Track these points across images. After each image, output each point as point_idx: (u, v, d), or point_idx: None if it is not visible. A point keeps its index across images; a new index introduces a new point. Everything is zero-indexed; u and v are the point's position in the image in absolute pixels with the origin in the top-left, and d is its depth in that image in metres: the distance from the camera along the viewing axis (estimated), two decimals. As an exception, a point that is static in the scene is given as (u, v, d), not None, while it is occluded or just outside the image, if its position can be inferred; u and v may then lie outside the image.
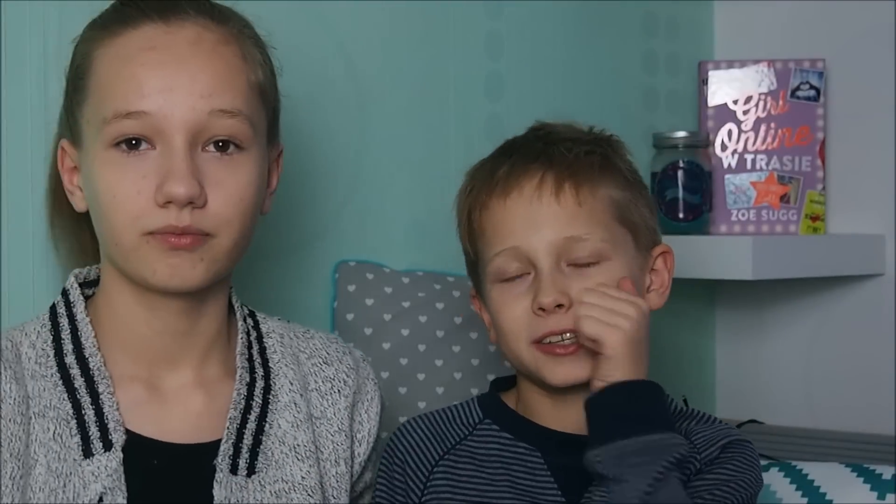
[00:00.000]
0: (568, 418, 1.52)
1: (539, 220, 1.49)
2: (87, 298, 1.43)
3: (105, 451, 1.34)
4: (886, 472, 1.73)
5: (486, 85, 2.05)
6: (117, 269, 1.37)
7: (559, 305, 1.47)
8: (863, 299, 2.23)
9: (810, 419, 2.26)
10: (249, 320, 1.48)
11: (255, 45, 1.41)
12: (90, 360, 1.37)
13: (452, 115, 2.01)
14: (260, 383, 1.43)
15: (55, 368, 1.37)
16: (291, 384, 1.45)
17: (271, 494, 1.39)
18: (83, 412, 1.35)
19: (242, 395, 1.41)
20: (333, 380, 1.48)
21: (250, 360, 1.44)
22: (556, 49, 2.14)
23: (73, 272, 1.44)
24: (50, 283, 1.58)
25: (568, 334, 1.47)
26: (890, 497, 1.71)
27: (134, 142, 1.32)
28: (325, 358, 1.49)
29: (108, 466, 1.33)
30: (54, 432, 1.34)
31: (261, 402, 1.42)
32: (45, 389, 1.36)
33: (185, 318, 1.40)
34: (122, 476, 1.33)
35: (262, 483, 1.39)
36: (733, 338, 2.37)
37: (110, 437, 1.35)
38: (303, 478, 1.41)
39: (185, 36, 1.34)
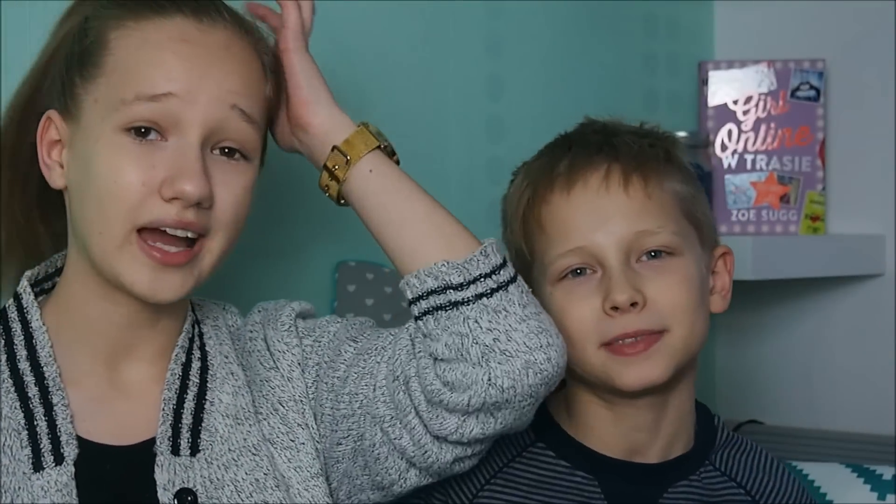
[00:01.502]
0: (629, 433, 1.46)
1: (607, 213, 1.42)
2: (39, 293, 1.39)
3: (56, 465, 1.30)
4: (887, 472, 1.73)
5: (486, 85, 2.05)
6: (88, 260, 1.33)
7: (633, 304, 1.39)
8: (863, 299, 2.23)
9: (810, 419, 2.26)
10: (190, 306, 1.44)
11: (271, 61, 1.40)
12: (45, 368, 1.33)
13: (452, 115, 2.00)
14: (196, 364, 1.39)
15: (7, 374, 1.33)
16: (227, 357, 1.42)
17: (219, 468, 1.35)
18: (35, 423, 1.31)
19: (177, 376, 1.38)
20: (245, 343, 1.45)
21: (192, 339, 1.41)
22: (556, 49, 2.14)
23: (25, 275, 1.39)
24: None
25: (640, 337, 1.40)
26: (890, 497, 1.71)
27: (144, 129, 1.30)
28: (238, 329, 1.46)
29: (58, 481, 1.29)
30: (4, 443, 1.30)
31: (198, 380, 1.39)
32: None
33: (146, 314, 1.36)
34: (74, 490, 1.29)
35: (209, 459, 1.35)
36: (733, 338, 2.37)
37: (62, 450, 1.31)
38: (244, 440, 1.37)
39: (218, 38, 1.34)
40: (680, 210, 1.44)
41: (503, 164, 2.04)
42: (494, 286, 1.31)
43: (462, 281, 1.33)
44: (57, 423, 1.31)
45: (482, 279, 1.32)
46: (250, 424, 1.39)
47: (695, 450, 1.50)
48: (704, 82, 2.23)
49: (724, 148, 2.22)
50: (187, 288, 1.33)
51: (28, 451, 1.30)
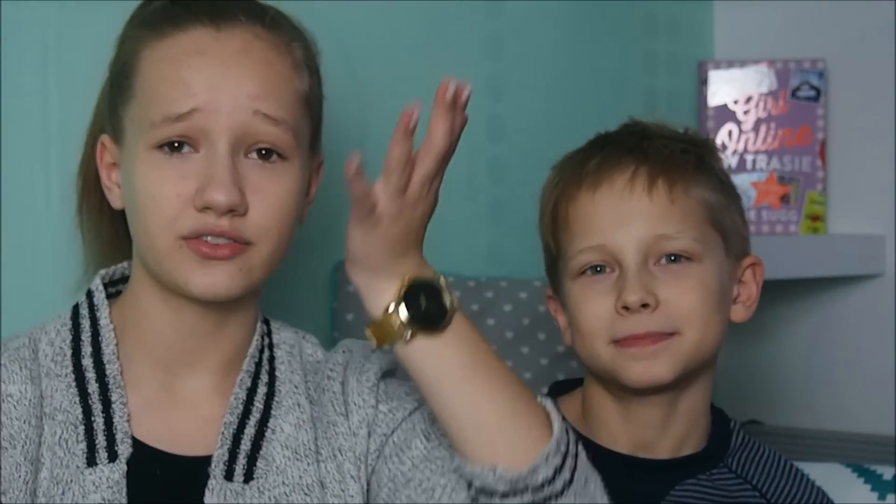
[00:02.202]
0: (638, 431, 1.47)
1: (629, 215, 1.43)
2: (111, 296, 1.41)
3: (109, 462, 1.31)
4: (887, 472, 1.73)
5: (486, 85, 2.05)
6: (149, 270, 1.35)
7: (644, 305, 1.41)
8: (863, 299, 2.23)
9: (810, 419, 2.26)
10: (264, 326, 1.43)
11: (305, 54, 1.38)
12: (107, 366, 1.35)
13: (452, 115, 2.00)
14: (262, 389, 1.39)
15: (70, 369, 1.35)
16: (296, 388, 1.40)
17: (270, 499, 1.34)
18: (92, 418, 1.33)
19: (241, 400, 1.37)
20: (321, 380, 1.41)
21: (258, 364, 1.40)
22: (557, 49, 2.14)
23: (99, 273, 1.41)
24: (59, 279, 1.56)
25: None
26: (890, 497, 1.71)
27: (177, 144, 1.30)
28: (317, 365, 1.43)
29: (110, 478, 1.31)
30: (60, 436, 1.31)
31: (262, 406, 1.38)
32: (57, 390, 1.34)
33: (210, 321, 1.36)
34: (124, 489, 1.30)
35: (262, 489, 1.34)
36: (733, 338, 2.36)
37: (116, 447, 1.32)
38: (300, 477, 1.36)
39: (234, 43, 1.32)
40: (705, 217, 1.45)
41: (503, 164, 2.05)
42: (549, 495, 1.26)
43: (517, 489, 1.26)
44: (114, 420, 1.33)
45: (537, 489, 1.26)
46: (308, 463, 1.37)
47: (707, 451, 1.50)
48: (704, 82, 2.23)
49: (724, 148, 2.22)
50: (238, 283, 1.31)
51: (83, 445, 1.32)
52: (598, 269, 1.45)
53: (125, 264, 1.43)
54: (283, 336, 1.44)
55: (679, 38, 2.32)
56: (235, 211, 1.29)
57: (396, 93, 1.94)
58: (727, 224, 1.47)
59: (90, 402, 1.34)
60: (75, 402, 1.33)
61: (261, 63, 1.33)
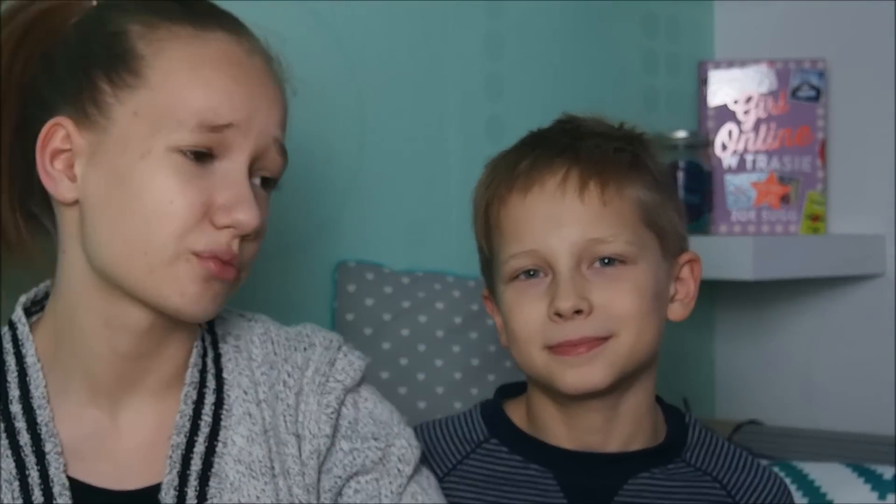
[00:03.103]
0: (583, 434, 1.45)
1: (560, 218, 1.40)
2: (31, 314, 1.31)
3: None
4: (887, 472, 1.73)
5: (486, 85, 2.05)
6: (103, 282, 1.25)
7: (578, 311, 1.38)
8: (863, 299, 2.23)
9: (810, 419, 2.26)
10: (205, 323, 1.33)
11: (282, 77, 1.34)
12: (38, 412, 1.26)
13: (452, 115, 2.00)
14: (210, 398, 1.30)
15: None
16: (246, 393, 1.32)
17: None
18: (27, 472, 1.24)
19: (188, 416, 1.29)
20: (275, 384, 1.33)
21: (203, 370, 1.31)
22: (557, 49, 2.14)
23: (19, 301, 1.31)
24: None
25: None
26: (890, 497, 1.71)
27: (203, 153, 1.23)
28: (272, 361, 1.34)
29: None
30: None
31: (210, 419, 1.29)
32: None
33: (153, 340, 1.28)
34: None
35: None
36: (733, 338, 2.37)
37: (54, 502, 1.23)
38: (258, 497, 1.28)
39: (258, 64, 1.28)
40: (640, 218, 1.42)
41: (503, 164, 2.05)
42: None
43: None
44: (49, 472, 1.24)
45: None
46: (265, 482, 1.29)
47: (662, 446, 1.48)
48: (704, 82, 2.23)
49: (724, 148, 2.22)
50: (217, 307, 1.26)
51: (21, 502, 1.24)
52: (531, 273, 1.42)
53: (48, 282, 1.32)
54: (228, 326, 1.36)
55: (679, 37, 2.32)
56: (248, 235, 1.25)
57: (396, 93, 1.95)
58: (663, 223, 1.44)
59: (22, 454, 1.25)
60: (7, 456, 1.25)
61: (278, 90, 1.30)
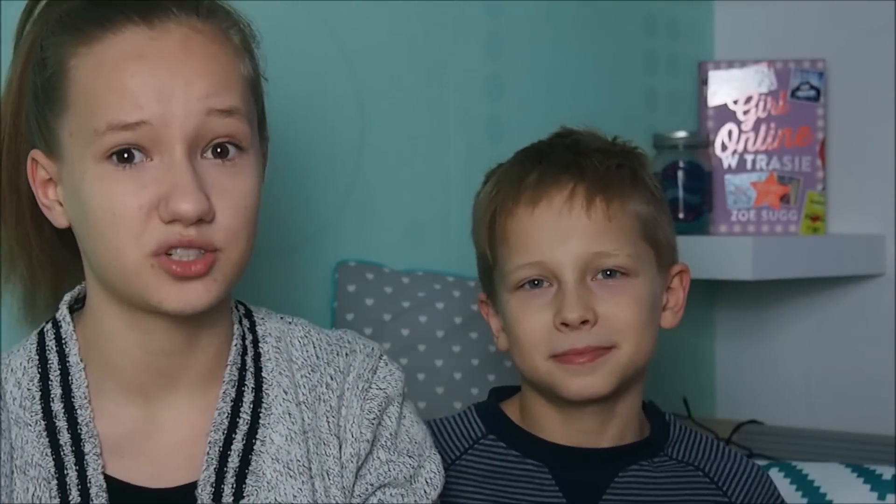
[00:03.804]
0: (578, 434, 1.50)
1: (567, 233, 1.46)
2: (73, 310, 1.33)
3: None
4: (886, 472, 1.73)
5: (486, 85, 2.05)
6: (112, 290, 1.26)
7: (584, 322, 1.44)
8: (863, 299, 2.23)
9: (810, 419, 2.26)
10: (245, 322, 1.36)
11: (242, 38, 1.30)
12: (79, 412, 1.27)
13: (452, 115, 2.00)
14: (249, 396, 1.31)
15: (40, 415, 1.27)
16: (286, 392, 1.33)
17: None
18: (66, 472, 1.25)
19: (226, 414, 1.29)
20: (317, 385, 1.34)
21: (242, 368, 1.32)
22: (557, 49, 2.14)
23: (64, 299, 1.32)
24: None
25: None
26: (890, 497, 1.71)
27: (126, 155, 1.22)
28: (314, 364, 1.35)
29: None
30: (33, 493, 1.24)
31: (249, 417, 1.30)
32: (27, 441, 1.26)
33: (182, 337, 1.28)
34: None
35: None
36: (733, 338, 2.37)
37: (91, 502, 1.25)
38: (294, 496, 1.29)
39: (174, 41, 1.24)
40: (639, 232, 1.49)
41: (503, 164, 2.05)
42: None
43: None
44: (87, 474, 1.25)
45: None
46: (303, 482, 1.30)
47: (648, 440, 1.54)
48: (704, 82, 2.23)
49: (724, 148, 2.22)
50: (213, 294, 1.24)
51: (57, 501, 1.25)
52: (536, 283, 1.48)
53: (84, 284, 1.34)
54: (269, 327, 1.37)
55: (679, 38, 2.32)
56: (203, 219, 1.22)
57: (396, 93, 1.95)
58: (659, 236, 1.51)
59: (62, 454, 1.26)
60: (47, 455, 1.26)
61: (204, 57, 1.25)
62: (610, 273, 1.46)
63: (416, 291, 1.87)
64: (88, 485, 1.25)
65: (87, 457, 1.26)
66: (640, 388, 1.54)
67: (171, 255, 1.22)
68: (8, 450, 1.26)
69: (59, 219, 1.29)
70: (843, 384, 2.25)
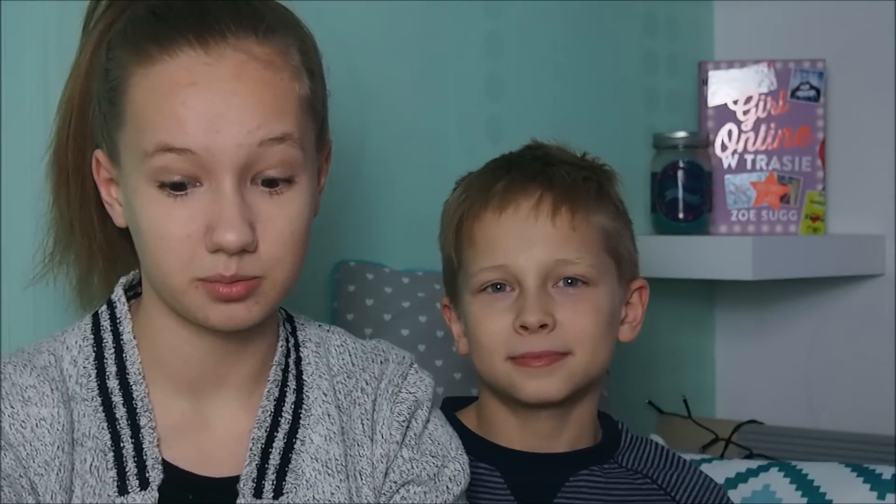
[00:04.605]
0: (533, 438, 1.55)
1: (532, 239, 1.50)
2: (131, 297, 1.36)
3: (141, 490, 1.27)
4: (886, 472, 1.73)
5: (486, 85, 2.05)
6: (162, 298, 1.29)
7: (542, 326, 1.48)
8: (863, 299, 2.23)
9: (810, 419, 2.26)
10: (287, 326, 1.39)
11: (303, 57, 1.30)
12: (134, 387, 1.30)
13: (452, 115, 2.01)
14: (291, 397, 1.34)
15: (96, 391, 1.30)
16: (325, 395, 1.36)
17: None
18: (122, 445, 1.28)
19: (269, 413, 1.33)
20: (353, 390, 1.38)
21: (285, 370, 1.35)
22: (556, 49, 2.14)
23: (119, 282, 1.36)
24: (59, 282, 1.51)
25: None
26: (890, 497, 1.71)
27: (177, 184, 1.23)
28: (350, 371, 1.39)
29: None
30: (91, 464, 1.27)
31: (290, 417, 1.34)
32: (84, 415, 1.29)
33: (232, 342, 1.31)
34: None
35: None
36: (733, 338, 2.37)
37: (148, 474, 1.28)
38: (332, 493, 1.32)
39: (226, 68, 1.24)
40: (602, 244, 1.53)
41: (503, 164, 2.05)
42: None
43: None
44: (143, 446, 1.29)
45: None
46: (340, 480, 1.33)
47: (599, 446, 1.58)
48: (704, 82, 2.23)
49: (724, 148, 2.22)
50: (256, 314, 1.27)
51: (113, 473, 1.27)
52: (499, 287, 1.52)
53: (139, 272, 1.37)
54: (309, 333, 1.40)
55: (679, 38, 2.32)
56: (245, 249, 1.23)
57: (396, 93, 1.95)
58: (621, 250, 1.55)
59: (118, 427, 1.29)
60: (103, 428, 1.29)
61: (258, 85, 1.24)
62: (571, 281, 1.51)
63: (416, 291, 1.87)
64: (144, 457, 1.28)
65: (142, 430, 1.29)
66: (596, 397, 1.58)
67: (215, 283, 1.25)
68: (69, 422, 1.27)
69: (118, 218, 1.32)
70: (843, 384, 2.25)
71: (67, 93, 1.40)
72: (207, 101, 1.23)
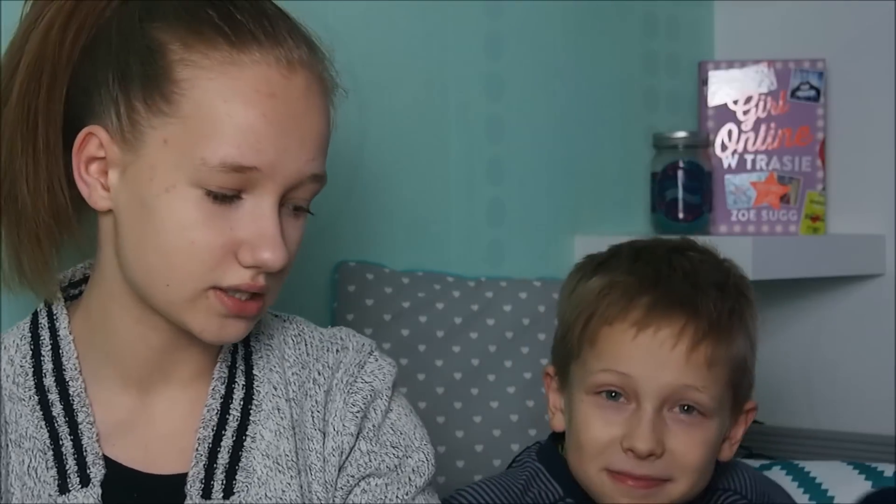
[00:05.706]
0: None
1: (665, 363, 1.43)
2: (71, 298, 1.33)
3: (82, 487, 1.24)
4: (888, 469, 1.73)
5: (486, 85, 2.05)
6: (131, 286, 1.25)
7: (651, 454, 1.43)
8: (863, 299, 2.23)
9: (810, 419, 2.26)
10: None
11: (332, 82, 1.29)
12: (70, 383, 1.27)
13: (452, 115, 2.00)
14: (240, 393, 1.31)
15: (33, 391, 1.27)
16: (276, 389, 1.32)
17: None
18: (60, 442, 1.25)
19: (215, 411, 1.30)
20: (305, 381, 1.34)
21: (233, 366, 1.32)
22: (556, 49, 2.14)
23: (57, 279, 1.31)
24: None
25: None
26: (891, 495, 1.71)
27: (231, 197, 1.21)
28: (304, 361, 1.35)
29: None
30: (28, 465, 1.24)
31: (239, 414, 1.30)
32: (21, 415, 1.26)
33: (185, 337, 1.28)
34: None
35: (243, 503, 1.27)
36: (733, 338, 2.37)
37: (88, 471, 1.25)
38: (283, 491, 1.29)
39: (299, 85, 1.22)
40: (728, 377, 1.46)
41: (503, 164, 2.05)
42: None
43: None
44: (83, 442, 1.26)
45: None
46: (291, 476, 1.30)
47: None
48: (704, 82, 2.23)
49: (724, 148, 2.22)
50: (247, 330, 1.26)
51: (54, 472, 1.25)
52: (615, 395, 1.45)
53: (86, 264, 1.34)
54: (261, 325, 1.36)
55: (679, 38, 2.32)
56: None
57: (396, 93, 1.94)
58: (744, 382, 1.49)
59: (56, 424, 1.26)
60: (41, 427, 1.26)
61: (319, 111, 1.24)
62: (687, 408, 1.44)
63: (416, 291, 1.87)
64: (84, 454, 1.26)
65: (80, 426, 1.26)
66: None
67: (227, 294, 1.23)
68: (2, 423, 1.26)
69: (97, 200, 1.25)
70: (843, 384, 2.25)
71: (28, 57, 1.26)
72: (283, 115, 1.21)
